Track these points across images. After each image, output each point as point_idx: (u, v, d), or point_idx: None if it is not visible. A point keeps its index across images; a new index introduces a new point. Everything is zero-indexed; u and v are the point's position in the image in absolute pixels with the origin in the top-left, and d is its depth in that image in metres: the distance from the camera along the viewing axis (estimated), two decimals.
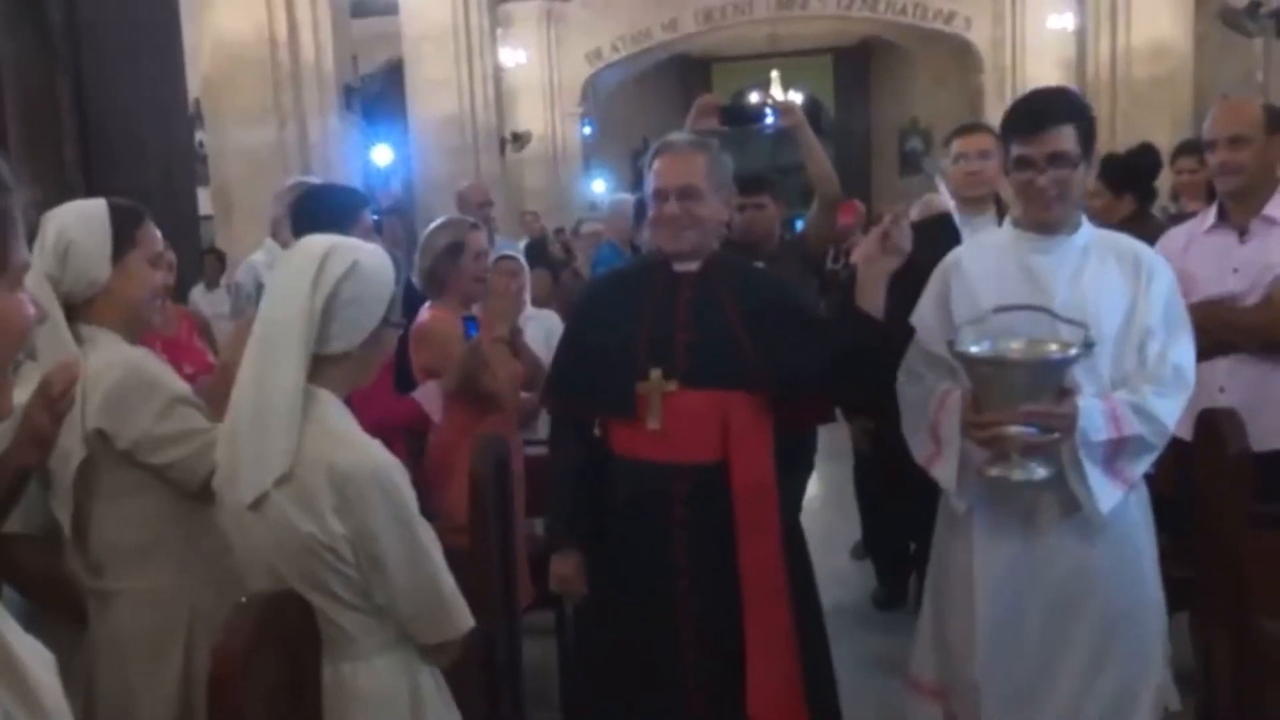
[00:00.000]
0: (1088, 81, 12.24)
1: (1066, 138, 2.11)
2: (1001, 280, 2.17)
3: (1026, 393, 2.00)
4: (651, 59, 17.84)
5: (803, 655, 2.26)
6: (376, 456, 1.65)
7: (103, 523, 1.95)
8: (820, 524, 4.76)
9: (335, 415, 1.68)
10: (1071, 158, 2.12)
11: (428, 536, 1.68)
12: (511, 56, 14.65)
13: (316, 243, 1.74)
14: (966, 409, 2.08)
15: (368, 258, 1.74)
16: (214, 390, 2.05)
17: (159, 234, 2.08)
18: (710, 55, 19.86)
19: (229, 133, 7.40)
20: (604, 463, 2.34)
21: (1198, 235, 2.80)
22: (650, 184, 2.30)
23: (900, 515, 4.24)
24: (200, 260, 6.41)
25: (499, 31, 13.31)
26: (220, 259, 7.74)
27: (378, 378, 2.64)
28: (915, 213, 4.29)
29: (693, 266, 2.31)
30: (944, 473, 2.20)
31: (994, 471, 2.06)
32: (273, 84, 7.25)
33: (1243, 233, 2.74)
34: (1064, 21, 13.54)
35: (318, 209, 2.73)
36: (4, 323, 0.97)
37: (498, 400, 2.99)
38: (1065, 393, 2.03)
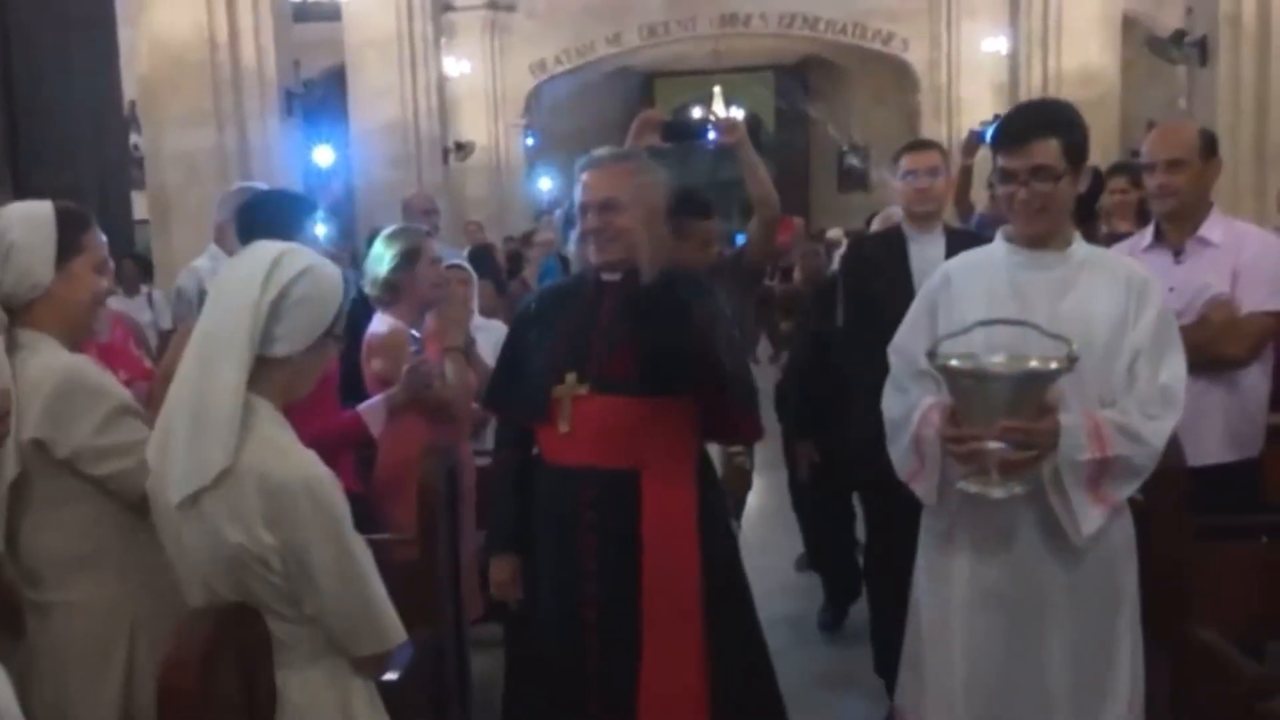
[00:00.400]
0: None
1: (1049, 151, 2.10)
2: (990, 296, 2.16)
3: (1007, 407, 1.97)
4: (595, 71, 17.87)
5: (732, 670, 2.28)
6: (309, 468, 1.63)
7: (38, 533, 1.90)
8: (764, 533, 4.81)
9: (271, 424, 1.66)
10: (1054, 171, 2.10)
11: (360, 549, 1.67)
12: (455, 66, 14.57)
13: (271, 246, 1.73)
14: (944, 422, 2.07)
15: (321, 265, 1.74)
16: (158, 398, 2.01)
17: (104, 240, 2.05)
18: (654, 70, 19.97)
19: (167, 136, 7.25)
20: (531, 464, 2.40)
21: (1136, 254, 2.89)
22: (579, 197, 2.36)
23: (843, 535, 4.28)
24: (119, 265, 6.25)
25: (443, 40, 13.22)
26: (142, 265, 7.56)
27: (321, 390, 2.61)
28: (877, 223, 4.38)
29: (616, 276, 2.37)
30: (925, 488, 2.19)
31: (972, 487, 2.04)
32: (212, 87, 7.11)
33: (1178, 253, 2.83)
34: (997, 45, 13.87)
35: (264, 215, 2.68)
36: None
37: (449, 410, 2.97)
38: (1047, 409, 2.00)
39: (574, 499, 2.30)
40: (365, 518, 2.79)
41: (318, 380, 1.82)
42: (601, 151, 2.43)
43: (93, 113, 6.75)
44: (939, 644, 2.23)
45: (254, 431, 1.62)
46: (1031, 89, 12.76)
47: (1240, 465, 2.76)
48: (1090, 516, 2.05)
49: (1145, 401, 2.07)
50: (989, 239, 2.37)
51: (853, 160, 19.84)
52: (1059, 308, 2.10)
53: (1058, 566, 2.11)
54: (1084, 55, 12.18)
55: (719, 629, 2.30)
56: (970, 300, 2.18)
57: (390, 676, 1.95)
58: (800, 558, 4.80)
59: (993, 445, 1.99)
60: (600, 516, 2.28)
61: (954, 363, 2.02)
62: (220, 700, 1.46)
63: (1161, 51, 9.02)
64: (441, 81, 12.76)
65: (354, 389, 2.94)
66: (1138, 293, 2.13)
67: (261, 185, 3.95)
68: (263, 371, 1.66)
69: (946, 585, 2.21)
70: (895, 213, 4.29)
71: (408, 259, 3.06)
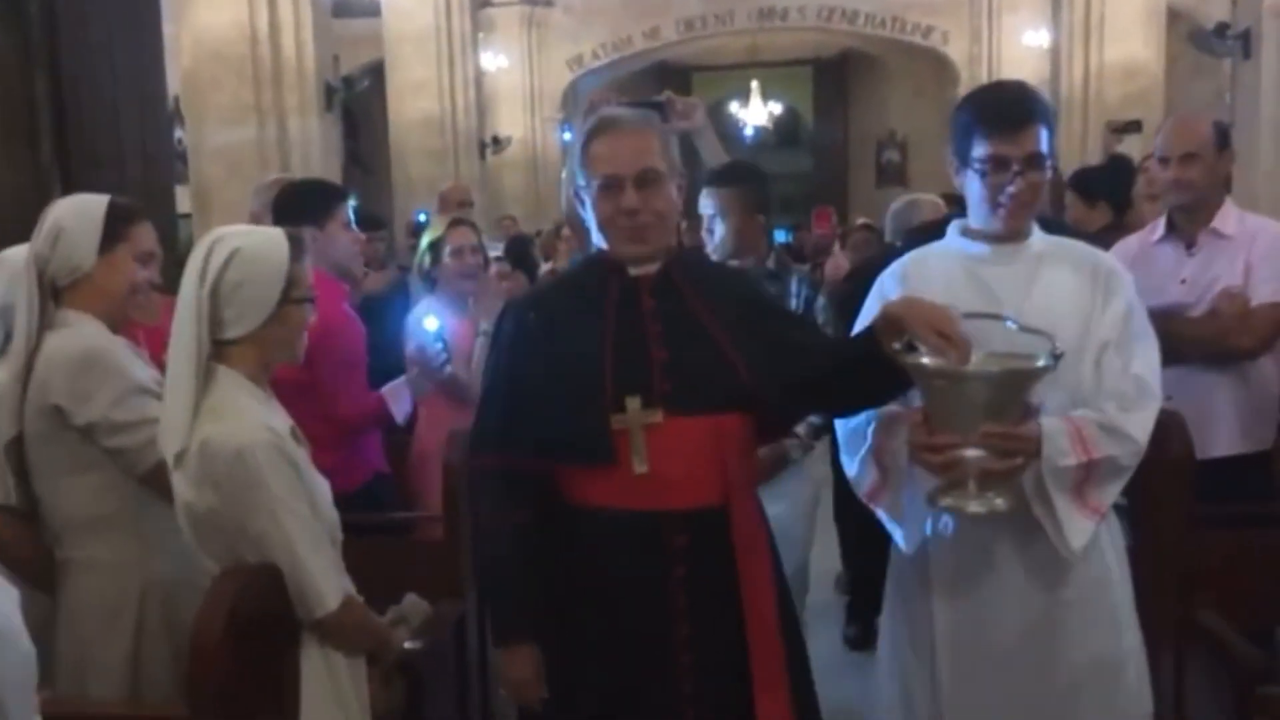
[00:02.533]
0: (1062, 99, 12.42)
1: (1042, 138, 1.93)
2: (950, 292, 1.93)
3: (987, 410, 1.76)
4: (632, 66, 17.90)
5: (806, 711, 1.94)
6: (246, 434, 1.73)
7: (59, 495, 2.05)
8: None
9: (226, 392, 1.78)
10: (1044, 160, 1.94)
11: (290, 516, 1.74)
12: (493, 61, 14.67)
13: (208, 236, 1.86)
14: (915, 428, 1.83)
15: (250, 243, 1.82)
16: None
17: (153, 234, 2.19)
18: (691, 64, 19.96)
19: (209, 131, 7.41)
20: (556, 521, 1.90)
21: (1148, 246, 2.90)
22: (591, 172, 1.87)
23: (875, 547, 3.96)
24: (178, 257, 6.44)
25: (480, 36, 13.34)
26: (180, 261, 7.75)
27: (348, 373, 2.72)
28: (889, 221, 4.10)
29: (653, 268, 1.91)
30: (890, 503, 1.95)
31: (946, 502, 1.82)
32: (253, 82, 7.27)
33: (1190, 245, 2.84)
34: (1039, 39, 13.74)
35: (296, 202, 2.80)
36: None
37: (470, 393, 3.05)
38: (1028, 412, 1.82)
39: (657, 552, 1.84)
40: (396, 497, 2.92)
41: (299, 336, 1.91)
42: (619, 110, 1.99)
43: (139, 109, 6.92)
44: (918, 679, 2.02)
45: (209, 399, 1.76)
46: (1073, 83, 12.65)
47: (1253, 457, 2.76)
48: (1079, 527, 1.86)
49: (1119, 395, 1.90)
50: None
51: (891, 155, 19.73)
52: (1024, 301, 1.91)
53: (1042, 589, 1.93)
54: (1127, 49, 12.05)
55: (796, 682, 1.93)
56: (928, 296, 1.92)
57: (413, 645, 2.07)
58: (839, 577, 4.46)
59: (971, 453, 1.77)
60: (692, 568, 1.84)
61: (926, 360, 1.78)
62: (245, 657, 1.55)
63: (1204, 44, 8.92)
64: (479, 76, 12.89)
65: (390, 372, 3.02)
66: (1104, 283, 1.97)
67: (290, 175, 4.07)
68: (227, 351, 1.79)
69: (921, 628, 2.00)
70: (923, 201, 4.17)
71: (436, 248, 3.18)
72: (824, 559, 4.30)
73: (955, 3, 15.74)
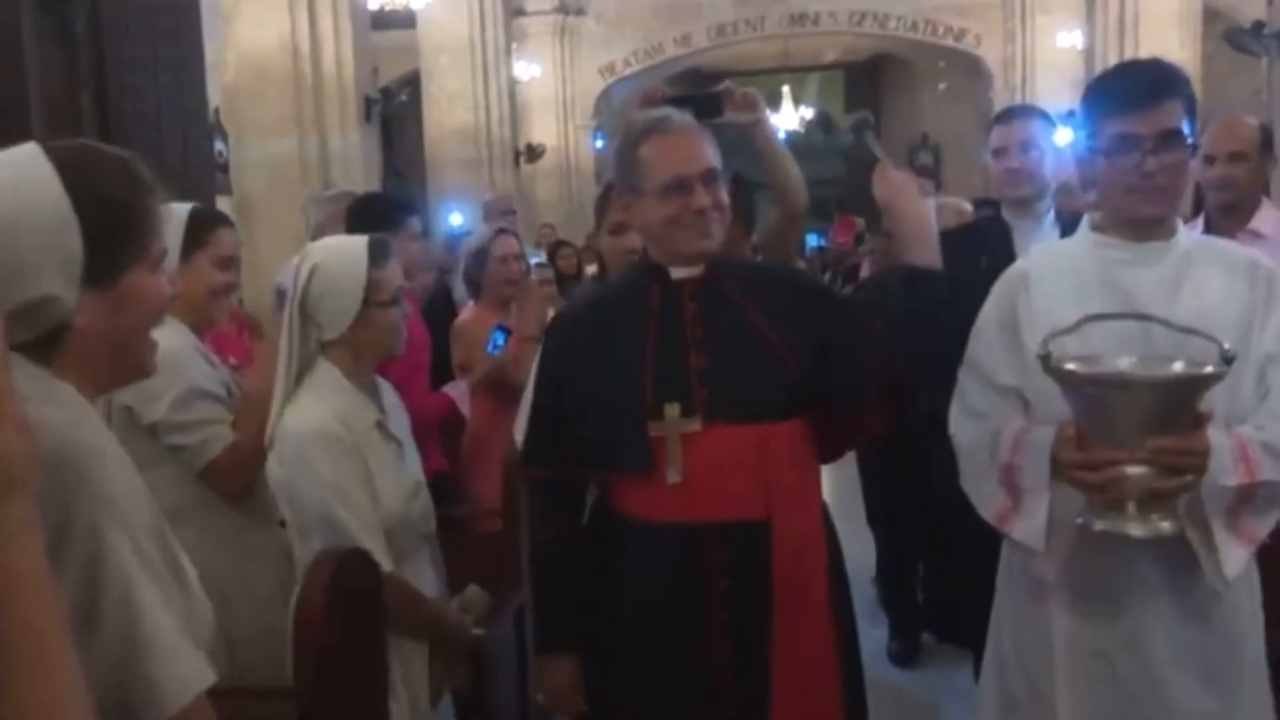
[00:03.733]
0: None
1: (1178, 114, 1.73)
2: (1083, 296, 1.75)
3: (1153, 422, 1.56)
4: (664, 73, 17.98)
5: None
6: (310, 422, 1.95)
7: None
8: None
9: (317, 385, 2.00)
10: (1183, 137, 1.73)
11: (342, 497, 1.91)
12: (526, 70, 14.81)
13: (302, 253, 2.09)
14: (1065, 443, 1.64)
15: (329, 259, 2.03)
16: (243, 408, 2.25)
17: (234, 239, 2.36)
18: (723, 70, 19.99)
19: (251, 143, 7.54)
20: (603, 533, 1.89)
21: None
22: (645, 174, 1.83)
23: (907, 544, 3.86)
24: None
25: (514, 46, 13.47)
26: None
27: (413, 373, 2.81)
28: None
29: (696, 272, 1.86)
30: (1029, 530, 1.75)
31: (1101, 525, 1.62)
32: (295, 96, 7.38)
33: None
34: (1073, 39, 13.67)
35: (369, 215, 3.02)
36: (148, 298, 1.21)
37: (519, 393, 3.16)
38: (1197, 422, 1.59)
39: (697, 566, 1.78)
40: (452, 493, 3.04)
41: (390, 335, 2.09)
42: (669, 113, 1.91)
43: (180, 123, 7.08)
44: (1037, 708, 1.86)
45: (301, 390, 2.00)
46: None
47: None
48: (1235, 555, 1.67)
49: None
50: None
51: (924, 159, 19.68)
52: (1170, 307, 1.70)
53: (1177, 625, 1.75)
54: (1163, 48, 11.87)
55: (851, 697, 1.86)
56: (1059, 304, 1.75)
57: (478, 633, 2.20)
58: (890, 643, 4.10)
59: (1133, 471, 1.57)
60: (735, 584, 1.78)
61: (1079, 367, 1.60)
62: (343, 631, 1.68)
63: (1240, 43, 8.85)
64: (512, 86, 13.02)
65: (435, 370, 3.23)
66: (1265, 287, 1.76)
67: (347, 187, 4.21)
68: (330, 349, 2.04)
69: (1041, 641, 1.84)
70: (957, 205, 4.00)
71: (478, 257, 3.38)
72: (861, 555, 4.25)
73: (987, 5, 15.70)
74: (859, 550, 4.16)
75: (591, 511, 1.93)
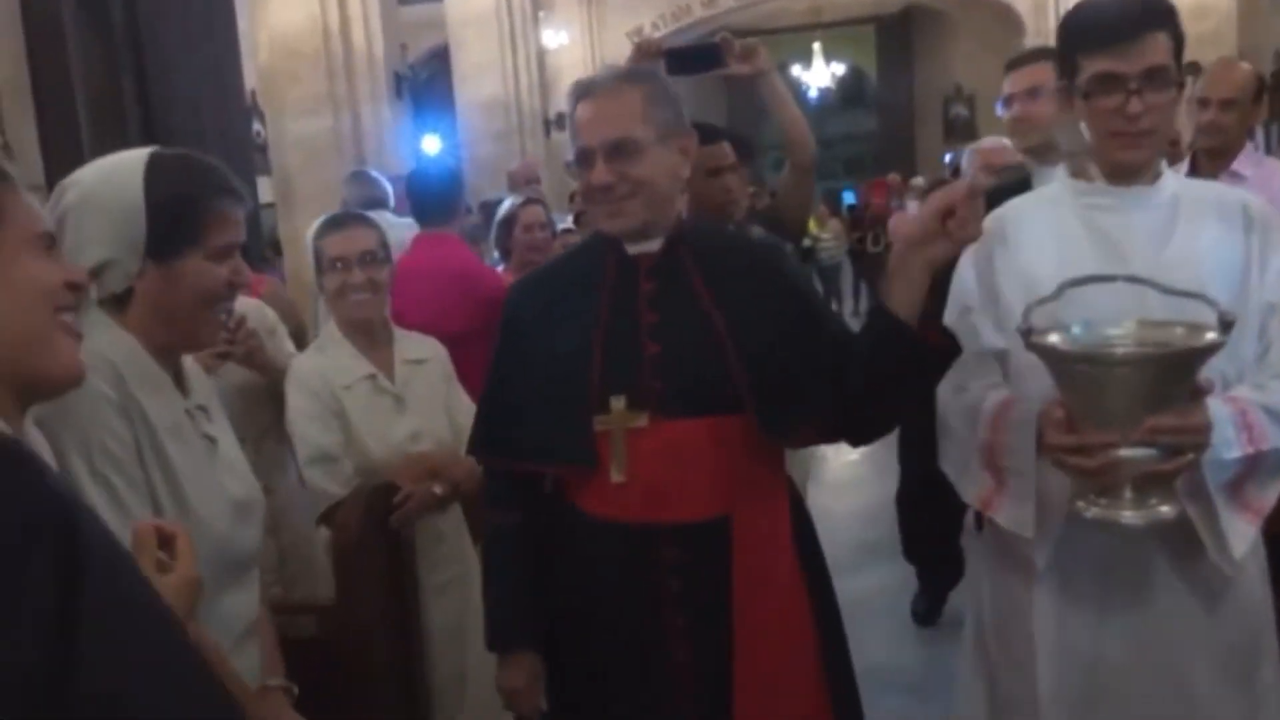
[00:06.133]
0: None
1: (1163, 48, 1.56)
2: (1064, 249, 1.61)
3: (1148, 400, 1.40)
4: (692, 35, 17.92)
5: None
6: (294, 366, 2.38)
7: None
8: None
9: (320, 339, 2.47)
10: (1170, 75, 1.57)
11: (297, 426, 2.30)
12: (553, 38, 14.83)
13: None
14: (1053, 426, 1.49)
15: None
16: None
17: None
18: (752, 28, 19.85)
19: (287, 123, 7.71)
20: (556, 526, 1.76)
21: None
22: (573, 142, 1.70)
23: (950, 513, 3.41)
24: (261, 247, 6.81)
25: (541, 14, 13.49)
26: (277, 250, 8.12)
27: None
28: (968, 163, 3.45)
29: (653, 246, 1.70)
30: (1016, 514, 1.60)
31: (1094, 512, 1.47)
32: (327, 74, 7.55)
33: None
34: None
35: (435, 191, 3.42)
36: (200, 280, 1.45)
37: None
38: (1196, 395, 1.45)
39: (646, 567, 1.66)
40: None
41: (350, 303, 2.37)
42: (602, 74, 1.77)
43: (217, 104, 7.27)
44: (1012, 704, 1.72)
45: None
46: None
47: None
48: (1240, 531, 1.54)
49: None
50: None
51: (959, 110, 19.45)
52: (1159, 258, 1.56)
53: (1185, 615, 1.60)
54: None
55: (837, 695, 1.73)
56: (1038, 256, 1.63)
57: None
58: (916, 599, 3.98)
59: (1128, 453, 1.42)
60: (689, 585, 1.65)
61: (1065, 343, 1.45)
62: (372, 548, 2.06)
63: None
64: (541, 54, 13.05)
65: None
66: (1260, 232, 1.61)
67: (371, 171, 4.44)
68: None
69: (1022, 637, 1.67)
70: (1002, 145, 3.49)
71: (506, 225, 3.56)
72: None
73: None
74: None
75: (548, 500, 1.78)
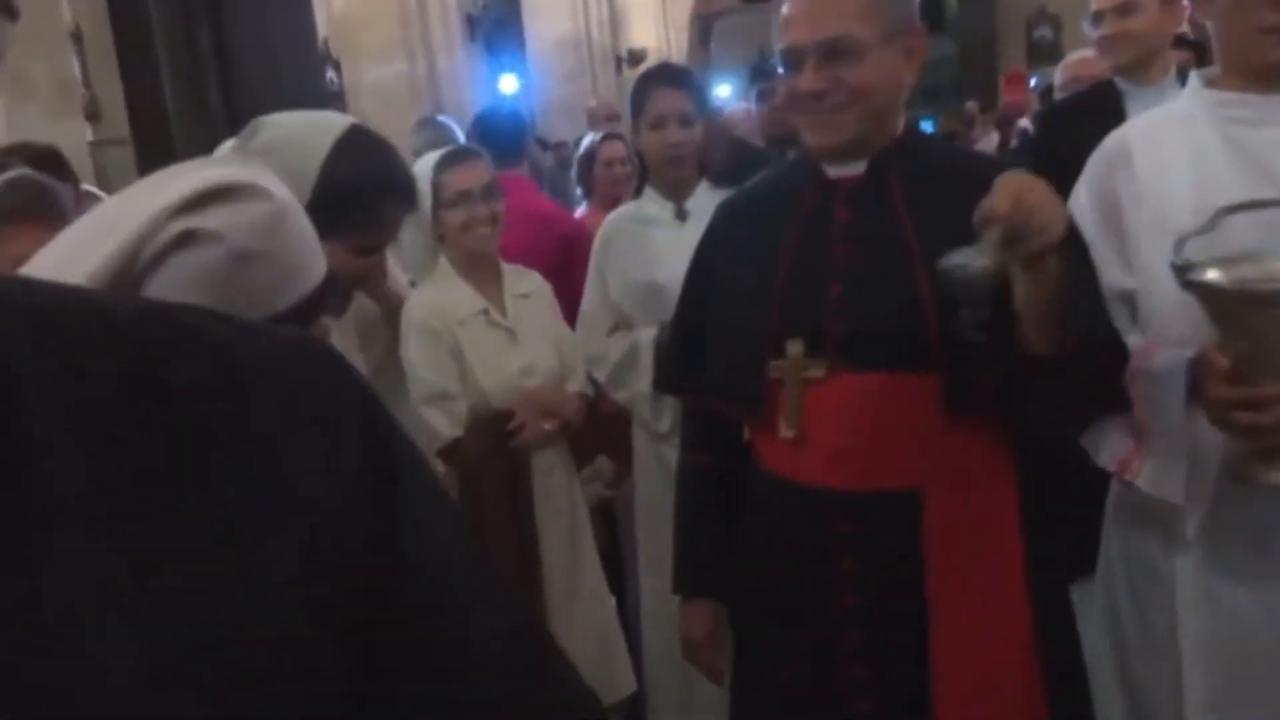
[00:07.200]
0: None
1: None
2: (1201, 171, 1.39)
3: None
4: None
5: None
6: (410, 303, 2.27)
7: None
8: None
9: (435, 275, 2.39)
10: None
11: (410, 365, 2.28)
12: None
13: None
14: (1216, 377, 1.27)
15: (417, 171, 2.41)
16: None
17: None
18: None
19: (363, 69, 7.76)
20: (748, 475, 1.56)
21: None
22: (778, 43, 1.43)
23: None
24: None
25: None
26: None
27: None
28: (1060, 78, 3.32)
29: (856, 169, 1.45)
30: (1166, 479, 1.38)
31: (1271, 478, 1.27)
32: (400, 20, 7.55)
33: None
34: None
35: (501, 131, 3.37)
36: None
37: None
38: None
39: (815, 539, 1.44)
40: None
41: (468, 237, 2.38)
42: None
43: (294, 54, 7.36)
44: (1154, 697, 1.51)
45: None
46: None
47: None
48: None
49: None
50: None
51: (1043, 32, 18.75)
52: None
53: None
54: None
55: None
56: (1172, 179, 1.40)
57: (607, 493, 2.74)
58: None
59: None
60: (865, 566, 1.42)
61: (1230, 279, 1.22)
62: (495, 472, 2.26)
63: None
64: None
65: None
66: None
67: (439, 117, 4.49)
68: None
69: (1163, 617, 1.47)
70: (1086, 58, 3.29)
71: (586, 161, 3.63)
72: None
73: None
74: None
75: (745, 449, 1.59)
